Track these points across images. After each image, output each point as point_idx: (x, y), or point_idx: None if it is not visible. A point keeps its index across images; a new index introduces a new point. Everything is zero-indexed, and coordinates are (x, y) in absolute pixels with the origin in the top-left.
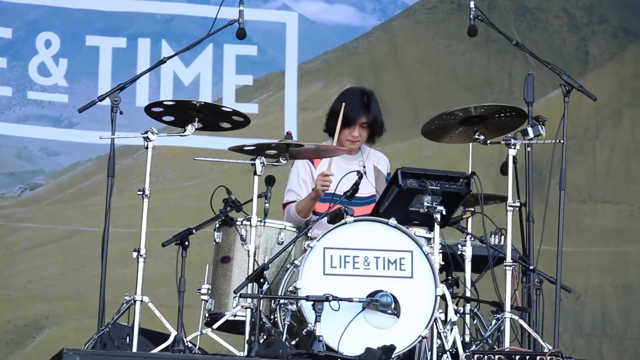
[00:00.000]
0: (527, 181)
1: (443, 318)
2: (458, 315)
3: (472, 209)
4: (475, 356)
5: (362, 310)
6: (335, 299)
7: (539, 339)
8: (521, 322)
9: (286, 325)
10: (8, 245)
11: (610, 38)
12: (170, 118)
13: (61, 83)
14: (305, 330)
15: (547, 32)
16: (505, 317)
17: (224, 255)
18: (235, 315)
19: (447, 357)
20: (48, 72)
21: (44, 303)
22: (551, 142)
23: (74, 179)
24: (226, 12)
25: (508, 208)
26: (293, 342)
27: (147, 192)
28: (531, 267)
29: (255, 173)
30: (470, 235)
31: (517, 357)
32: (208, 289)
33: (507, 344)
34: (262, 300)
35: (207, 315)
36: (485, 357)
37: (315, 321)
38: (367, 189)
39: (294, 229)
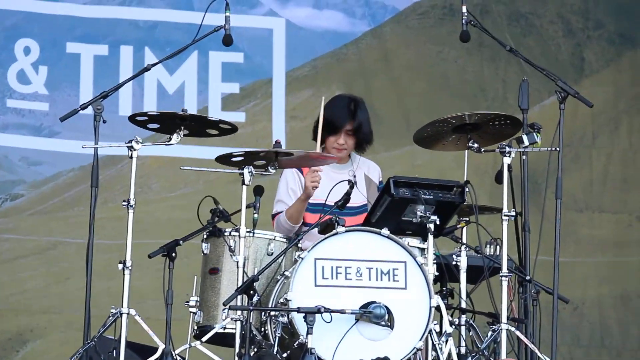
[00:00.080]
0: (523, 190)
1: (438, 329)
2: (453, 326)
3: (467, 219)
4: None
5: (355, 322)
6: (328, 310)
7: (536, 351)
8: (518, 333)
9: (277, 338)
10: None
11: (606, 44)
12: (155, 125)
13: (41, 91)
14: (297, 342)
15: (541, 38)
16: (501, 329)
17: (213, 266)
18: (224, 328)
19: None
20: (28, 80)
21: (28, 316)
22: (547, 150)
23: (56, 189)
24: (211, 19)
25: (503, 217)
26: (284, 355)
27: (132, 202)
28: (527, 278)
29: (243, 183)
30: (465, 245)
31: None
32: (196, 301)
33: (503, 355)
34: (252, 313)
35: (195, 328)
36: None
37: (307, 333)
38: (359, 198)
39: (284, 240)
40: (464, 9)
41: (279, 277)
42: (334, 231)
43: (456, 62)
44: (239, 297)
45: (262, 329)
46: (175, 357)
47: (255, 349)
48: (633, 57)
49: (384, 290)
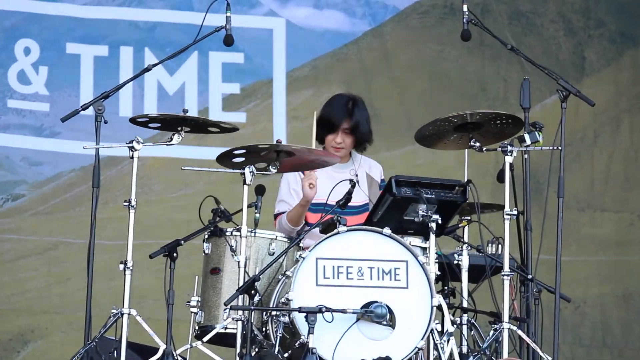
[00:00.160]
0: (525, 189)
1: (439, 329)
2: (455, 326)
3: (469, 218)
4: None
5: (357, 321)
6: (329, 310)
7: (538, 350)
8: (520, 332)
9: (278, 338)
10: None
11: (607, 43)
12: (156, 124)
13: (42, 91)
14: (298, 342)
15: (542, 37)
16: (503, 328)
17: (214, 266)
18: (225, 328)
19: None
20: (28, 80)
21: (29, 316)
22: (549, 149)
23: (57, 190)
24: (211, 19)
25: (505, 216)
26: (286, 355)
27: (133, 202)
28: (529, 277)
29: (244, 182)
30: (466, 245)
31: None
32: (197, 301)
33: (505, 355)
34: (253, 313)
35: (196, 328)
36: None
37: (309, 333)
38: (360, 197)
39: (286, 240)
40: (465, 8)
41: (280, 277)
42: (335, 230)
43: (457, 62)
44: (240, 297)
45: (264, 329)
46: (176, 358)
47: (257, 349)
48: (634, 56)
49: (386, 290)
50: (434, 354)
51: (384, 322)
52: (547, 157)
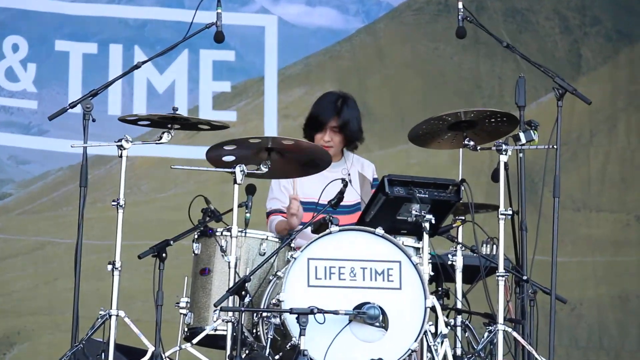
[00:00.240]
0: (519, 188)
1: (433, 331)
2: (449, 327)
3: (463, 218)
4: None
5: (349, 323)
6: (321, 311)
7: (534, 352)
8: (515, 334)
9: (269, 340)
10: None
11: (604, 40)
12: (145, 122)
13: (30, 89)
14: (290, 344)
15: (538, 35)
16: (498, 330)
17: (204, 267)
18: (215, 330)
19: None
20: (16, 77)
21: (15, 318)
22: (544, 148)
23: (44, 189)
24: (201, 17)
25: (500, 216)
26: (277, 357)
27: (121, 202)
28: (524, 278)
29: (235, 182)
30: (460, 245)
31: None
32: (187, 302)
33: (500, 357)
34: (244, 314)
35: (186, 329)
36: None
37: (300, 335)
38: (352, 196)
39: (277, 240)
40: (460, 5)
41: (271, 278)
42: (327, 230)
43: (452, 59)
44: (231, 298)
45: (254, 331)
46: None
47: (247, 351)
48: (630, 53)
49: (378, 291)
50: (427, 356)
51: (377, 324)
52: (543, 156)
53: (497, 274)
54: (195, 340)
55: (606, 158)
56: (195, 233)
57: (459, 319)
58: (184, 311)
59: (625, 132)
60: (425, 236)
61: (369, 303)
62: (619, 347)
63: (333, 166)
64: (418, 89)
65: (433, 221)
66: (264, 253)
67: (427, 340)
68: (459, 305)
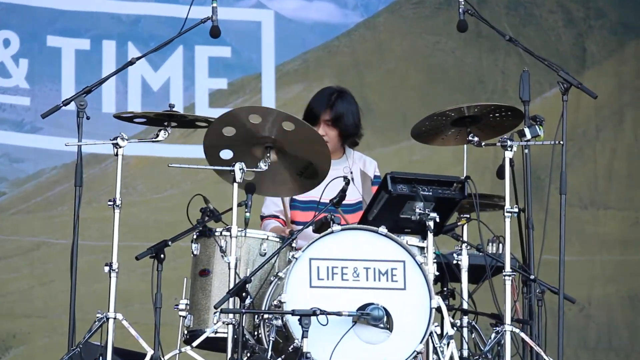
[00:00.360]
0: (525, 185)
1: (439, 332)
2: (455, 328)
3: (468, 216)
4: None
5: (353, 324)
6: (323, 313)
7: (542, 353)
8: (522, 335)
9: (271, 342)
10: None
11: (609, 34)
12: (141, 120)
13: (22, 85)
14: (292, 346)
15: (541, 28)
16: (505, 330)
17: (203, 268)
18: (216, 332)
19: None
20: (8, 73)
21: (10, 321)
22: (550, 143)
23: (39, 188)
24: (197, 12)
25: (506, 214)
26: None
27: (118, 202)
28: (532, 277)
29: (234, 180)
30: (466, 244)
31: None
32: (186, 304)
33: (507, 358)
34: (244, 316)
35: (185, 332)
36: None
37: (302, 337)
38: (354, 195)
39: (278, 240)
40: None
41: (272, 279)
42: (329, 230)
43: (453, 54)
44: (231, 299)
45: (255, 333)
46: None
47: (248, 354)
48: (636, 47)
49: (382, 291)
50: (433, 358)
51: (381, 325)
52: (548, 152)
53: (504, 273)
54: (195, 343)
55: (613, 154)
56: (194, 233)
57: (465, 319)
58: (183, 313)
59: (632, 128)
60: (430, 235)
61: (372, 304)
62: (628, 347)
63: (335, 164)
64: (419, 84)
65: (437, 219)
66: (265, 253)
67: (432, 342)
68: (465, 306)
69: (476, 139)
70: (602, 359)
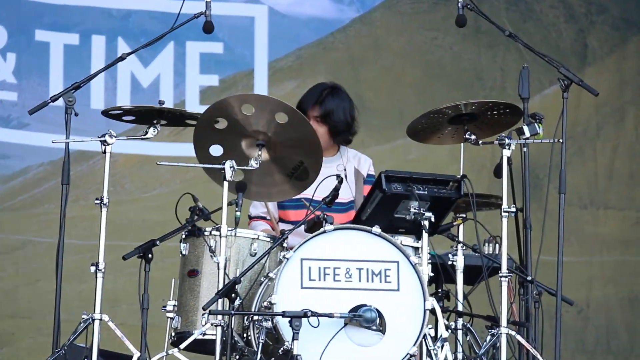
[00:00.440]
0: (524, 185)
1: (433, 334)
2: (449, 331)
3: (464, 215)
4: None
5: (344, 326)
6: (315, 314)
7: (539, 357)
8: (519, 337)
9: (261, 344)
10: None
11: (611, 30)
12: (130, 117)
13: (9, 79)
14: (282, 349)
15: (541, 24)
16: (501, 333)
17: (191, 268)
18: (204, 334)
19: None
20: None
21: None
22: (549, 142)
23: (25, 185)
24: (189, 7)
25: (503, 214)
26: None
27: (105, 200)
28: (529, 278)
29: (224, 178)
30: (461, 244)
31: None
32: (174, 305)
33: None
34: (234, 317)
35: (173, 334)
36: None
37: (293, 339)
38: (348, 194)
39: (268, 239)
40: None
41: (262, 279)
42: (321, 229)
43: (452, 49)
44: (220, 301)
45: (245, 335)
46: None
47: (237, 356)
48: (639, 43)
49: (375, 292)
50: None
51: (374, 327)
52: (547, 150)
53: (500, 274)
54: (182, 345)
55: (614, 153)
56: (183, 233)
57: (460, 322)
58: (171, 315)
59: (634, 125)
60: (425, 235)
61: (365, 305)
62: (628, 350)
63: (329, 162)
64: (416, 81)
65: (432, 219)
66: (255, 253)
67: (426, 345)
68: (460, 308)
69: (473, 137)
70: None
